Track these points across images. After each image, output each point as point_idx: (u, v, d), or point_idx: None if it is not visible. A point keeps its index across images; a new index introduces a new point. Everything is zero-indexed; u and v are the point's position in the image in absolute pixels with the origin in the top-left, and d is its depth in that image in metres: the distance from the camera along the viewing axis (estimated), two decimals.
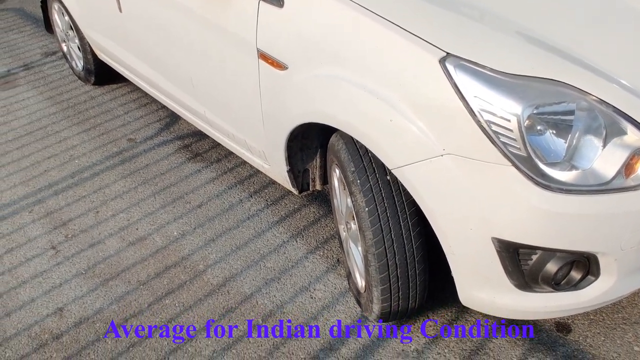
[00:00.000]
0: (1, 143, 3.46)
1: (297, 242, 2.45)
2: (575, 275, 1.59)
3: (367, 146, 1.68)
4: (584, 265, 1.57)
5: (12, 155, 3.33)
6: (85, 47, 3.75)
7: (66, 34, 3.99)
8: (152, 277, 2.34)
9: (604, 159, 1.45)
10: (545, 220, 1.47)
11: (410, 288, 1.79)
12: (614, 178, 1.44)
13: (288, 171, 2.21)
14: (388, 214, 1.71)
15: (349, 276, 2.15)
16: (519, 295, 1.62)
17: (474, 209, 1.52)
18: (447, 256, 1.64)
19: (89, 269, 2.42)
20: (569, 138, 1.44)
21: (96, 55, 3.73)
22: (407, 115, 1.55)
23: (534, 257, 1.56)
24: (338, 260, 2.34)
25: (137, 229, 2.63)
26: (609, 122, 1.44)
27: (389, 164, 1.63)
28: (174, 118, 3.55)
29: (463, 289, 1.69)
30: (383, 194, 1.72)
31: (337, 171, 1.96)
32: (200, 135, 3.32)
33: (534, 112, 1.43)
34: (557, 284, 1.59)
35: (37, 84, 4.22)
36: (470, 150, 1.48)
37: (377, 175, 1.73)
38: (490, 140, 1.45)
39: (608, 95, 1.45)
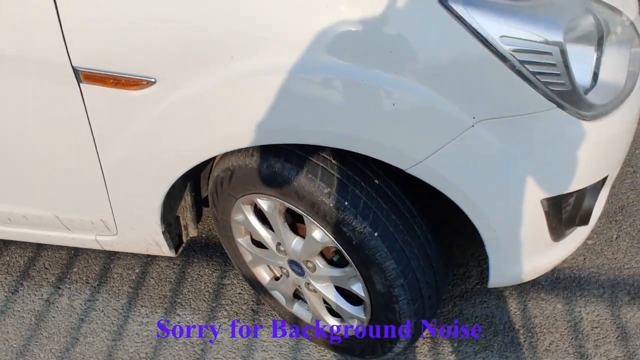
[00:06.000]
0: None
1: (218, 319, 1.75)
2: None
3: (359, 151, 1.16)
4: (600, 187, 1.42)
5: None
6: None
7: None
8: None
9: (613, 64, 1.27)
10: (597, 154, 1.25)
11: (438, 303, 1.40)
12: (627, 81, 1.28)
13: (163, 232, 1.48)
14: (403, 229, 1.25)
15: (298, 323, 1.61)
16: (555, 247, 1.39)
17: (519, 175, 1.20)
18: (485, 242, 1.29)
19: None
20: (595, 53, 1.21)
21: None
22: (415, 90, 1.10)
23: (571, 200, 1.34)
24: (254, 310, 1.74)
25: None
26: (606, 21, 1.24)
27: (402, 164, 1.16)
28: None
29: (500, 271, 1.37)
30: (385, 207, 1.24)
31: (267, 202, 1.36)
32: None
33: (572, 34, 1.14)
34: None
35: None
36: (507, 106, 1.13)
37: (364, 185, 1.23)
38: (531, 85, 1.11)
39: None
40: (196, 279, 1.84)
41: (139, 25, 1.12)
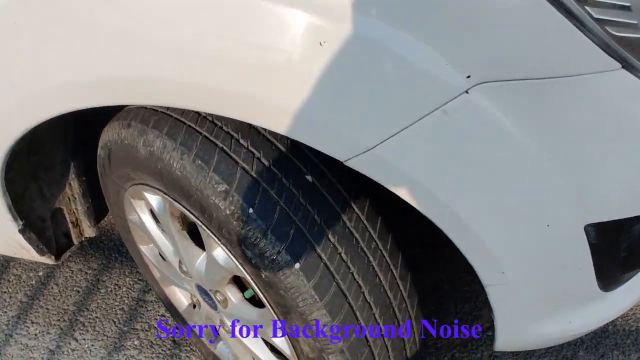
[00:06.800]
0: None
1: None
2: None
3: (255, 123, 0.67)
4: None
5: None
6: None
7: None
8: None
9: None
10: None
11: None
12: None
13: (22, 229, 1.03)
14: (346, 260, 0.75)
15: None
16: (604, 299, 0.88)
17: (547, 182, 0.71)
18: (487, 289, 0.79)
19: None
20: None
21: None
22: (362, 21, 0.60)
23: (637, 229, 0.82)
24: (174, 341, 1.29)
25: None
26: None
27: (338, 151, 0.66)
28: None
29: (512, 331, 0.87)
30: (318, 220, 0.75)
31: (156, 198, 0.90)
32: None
33: None
34: None
35: None
36: (530, 60, 0.63)
37: (286, 182, 0.75)
38: (577, 24, 0.61)
39: None
40: (111, 291, 1.39)
41: None
